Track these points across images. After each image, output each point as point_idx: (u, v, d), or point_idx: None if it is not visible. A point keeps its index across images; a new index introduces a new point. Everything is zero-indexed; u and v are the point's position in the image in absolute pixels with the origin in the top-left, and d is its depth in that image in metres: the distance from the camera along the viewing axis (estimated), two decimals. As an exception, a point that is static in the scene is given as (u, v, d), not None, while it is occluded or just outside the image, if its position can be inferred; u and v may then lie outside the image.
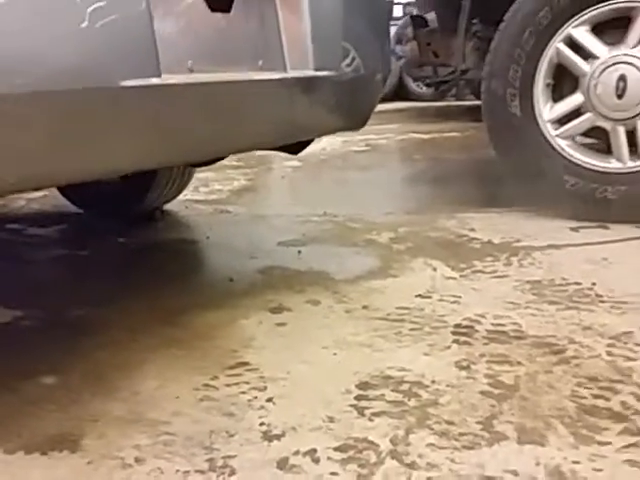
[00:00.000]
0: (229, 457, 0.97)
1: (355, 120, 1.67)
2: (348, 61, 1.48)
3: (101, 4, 0.93)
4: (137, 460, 0.98)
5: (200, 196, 2.88)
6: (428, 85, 6.90)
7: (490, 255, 1.88)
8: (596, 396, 1.10)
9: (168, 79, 1.01)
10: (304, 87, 1.36)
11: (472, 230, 2.14)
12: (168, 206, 2.63)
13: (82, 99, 0.92)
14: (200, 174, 2.95)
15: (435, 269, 1.78)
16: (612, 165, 2.12)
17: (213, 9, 1.18)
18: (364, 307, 1.53)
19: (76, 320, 1.54)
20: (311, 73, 1.33)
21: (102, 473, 0.95)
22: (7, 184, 0.90)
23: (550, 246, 1.94)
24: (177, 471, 0.95)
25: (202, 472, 0.95)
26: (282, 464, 0.95)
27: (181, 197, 2.65)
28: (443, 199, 2.62)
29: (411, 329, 1.40)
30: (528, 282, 1.65)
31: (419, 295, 1.58)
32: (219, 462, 0.97)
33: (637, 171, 2.09)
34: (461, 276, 1.72)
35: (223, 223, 2.42)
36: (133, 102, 0.97)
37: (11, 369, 1.28)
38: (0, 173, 0.85)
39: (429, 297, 1.57)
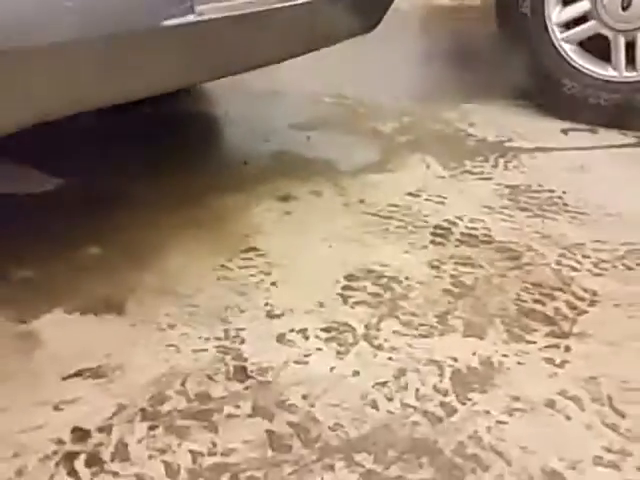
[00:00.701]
0: (240, 329, 1.26)
1: (369, 25, 1.80)
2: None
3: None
4: (169, 326, 1.27)
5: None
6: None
7: (481, 155, 2.07)
8: (536, 301, 1.36)
9: (203, 14, 1.17)
10: (322, 4, 1.49)
11: (471, 125, 2.31)
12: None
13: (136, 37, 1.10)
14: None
15: (429, 166, 1.99)
16: (609, 73, 2.24)
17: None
18: (360, 201, 1.76)
19: (109, 192, 1.78)
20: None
21: (143, 334, 1.25)
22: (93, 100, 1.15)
23: (537, 149, 2.13)
24: (200, 337, 1.24)
25: (219, 339, 1.24)
26: (280, 338, 1.24)
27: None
28: (451, 85, 2.75)
29: (397, 227, 1.64)
30: (508, 186, 1.86)
31: (409, 193, 1.81)
32: (232, 332, 1.25)
33: (631, 81, 2.22)
34: (450, 176, 1.93)
35: (240, 98, 2.58)
36: (177, 35, 1.15)
37: (61, 238, 1.55)
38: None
39: (418, 195, 1.80)
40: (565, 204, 1.77)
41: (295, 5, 1.37)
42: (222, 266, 1.46)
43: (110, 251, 1.52)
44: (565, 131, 2.28)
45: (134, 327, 1.27)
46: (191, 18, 1.16)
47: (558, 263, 1.49)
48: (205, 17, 1.18)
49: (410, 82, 2.90)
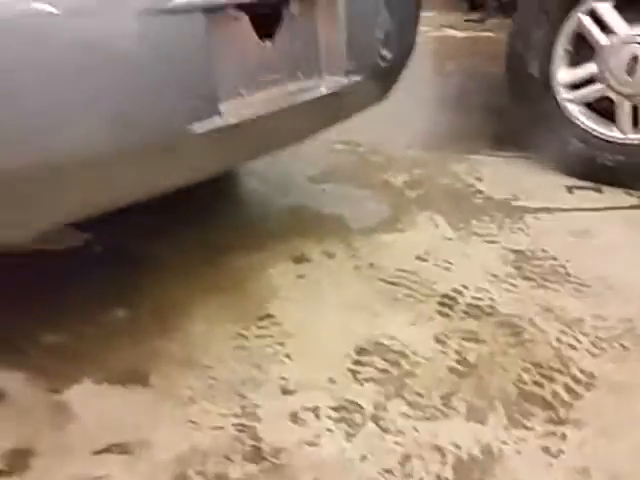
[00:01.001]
0: (256, 406, 1.35)
1: (380, 97, 1.88)
2: (376, 59, 1.66)
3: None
4: (190, 399, 1.36)
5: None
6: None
7: (487, 214, 2.15)
8: (535, 382, 1.44)
9: (228, 118, 1.25)
10: (339, 92, 1.57)
11: (479, 180, 2.39)
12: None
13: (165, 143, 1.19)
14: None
15: (437, 226, 2.07)
16: (614, 135, 2.31)
17: (260, 36, 1.38)
18: (370, 265, 1.84)
19: (137, 251, 1.86)
20: (344, 81, 1.53)
21: (167, 408, 1.33)
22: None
23: (543, 209, 2.20)
24: (218, 413, 1.32)
25: (236, 416, 1.32)
26: (293, 417, 1.32)
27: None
28: (461, 133, 2.83)
29: (405, 294, 1.72)
30: (512, 251, 1.94)
31: (418, 257, 1.89)
32: (249, 409, 1.34)
33: (636, 143, 2.29)
34: (458, 237, 2.01)
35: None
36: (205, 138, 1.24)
37: (89, 298, 1.64)
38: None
39: (426, 260, 1.88)
40: (568, 274, 1.84)
41: (319, 97, 1.46)
42: (240, 335, 1.55)
43: (136, 314, 1.60)
44: (570, 189, 2.36)
45: (158, 401, 1.35)
46: (218, 120, 1.24)
47: (558, 340, 1.57)
48: (231, 120, 1.26)
49: (421, 128, 2.97)
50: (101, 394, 1.37)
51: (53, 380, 1.38)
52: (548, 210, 2.20)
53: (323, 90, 1.48)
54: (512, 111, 2.65)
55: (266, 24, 1.35)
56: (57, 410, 1.32)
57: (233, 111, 1.28)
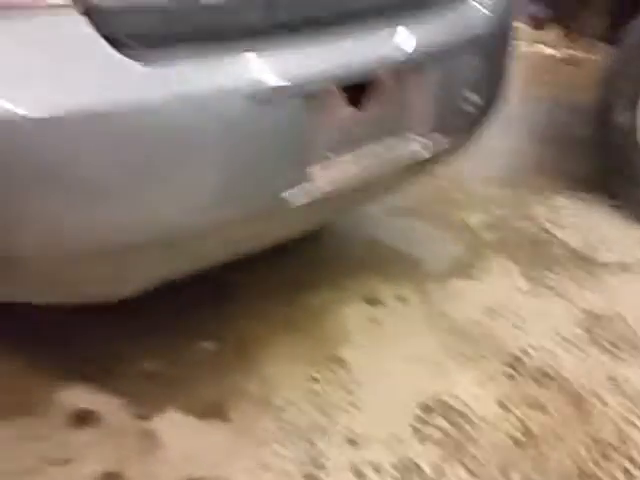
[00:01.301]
0: (322, 454, 1.45)
1: (467, 144, 1.91)
2: (464, 109, 1.70)
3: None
4: (264, 441, 1.47)
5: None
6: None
7: (563, 266, 2.16)
8: (593, 461, 1.48)
9: (318, 184, 1.34)
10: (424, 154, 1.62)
11: (557, 225, 2.40)
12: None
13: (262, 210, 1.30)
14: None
15: (511, 275, 2.10)
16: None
17: (350, 104, 1.44)
18: (442, 314, 1.90)
19: (222, 281, 1.94)
20: (429, 142, 1.58)
21: (242, 447, 1.45)
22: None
23: (620, 264, 2.19)
24: (287, 458, 1.43)
25: (303, 463, 1.43)
26: (356, 471, 1.42)
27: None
28: (543, 168, 2.82)
29: (473, 350, 1.77)
30: (585, 312, 1.95)
31: (489, 309, 1.93)
32: (315, 456, 1.44)
33: None
34: (530, 290, 2.04)
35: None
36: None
37: (179, 330, 1.75)
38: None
39: (497, 313, 1.92)
40: (638, 341, 1.85)
41: (409, 164, 1.53)
42: (313, 378, 1.64)
43: (221, 348, 1.71)
44: (651, 243, 2.34)
45: (236, 439, 1.47)
46: (308, 186, 1.33)
47: (620, 416, 1.60)
48: (320, 185, 1.34)
49: (502, 160, 2.96)
50: (186, 425, 1.49)
51: (144, 407, 1.52)
52: (625, 267, 2.20)
53: (410, 150, 1.53)
54: (598, 151, 2.63)
55: (354, 89, 1.42)
56: (146, 437, 1.46)
57: (322, 176, 1.36)
